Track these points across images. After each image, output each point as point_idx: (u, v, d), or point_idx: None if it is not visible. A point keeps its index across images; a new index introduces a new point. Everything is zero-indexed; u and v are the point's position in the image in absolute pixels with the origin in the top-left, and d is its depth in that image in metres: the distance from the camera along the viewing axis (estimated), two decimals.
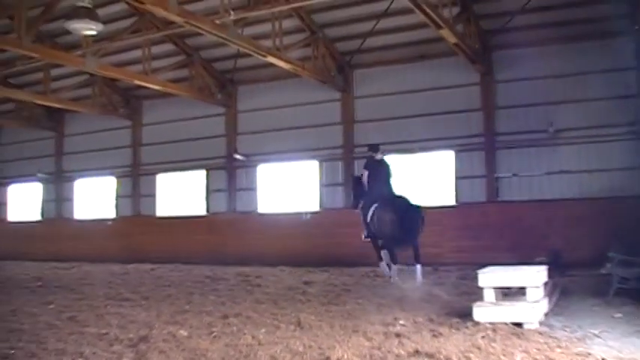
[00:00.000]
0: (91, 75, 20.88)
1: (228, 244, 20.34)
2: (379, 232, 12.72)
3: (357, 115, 19.25)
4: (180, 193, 22.60)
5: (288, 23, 17.18)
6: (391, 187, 13.30)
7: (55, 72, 20.87)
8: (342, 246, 18.27)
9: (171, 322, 8.50)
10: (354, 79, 19.34)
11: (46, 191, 25.85)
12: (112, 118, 23.17)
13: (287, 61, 16.64)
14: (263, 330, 7.76)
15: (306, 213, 19.54)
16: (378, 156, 13.54)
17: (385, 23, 17.41)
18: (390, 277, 12.69)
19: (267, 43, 16.30)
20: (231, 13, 13.85)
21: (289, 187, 20.46)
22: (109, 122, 23.52)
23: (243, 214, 20.84)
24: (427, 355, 6.16)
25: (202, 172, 21.84)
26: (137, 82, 18.75)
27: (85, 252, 22.71)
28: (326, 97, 19.47)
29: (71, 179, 25.13)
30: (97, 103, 22.14)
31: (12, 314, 9.68)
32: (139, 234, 22.44)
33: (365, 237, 13.23)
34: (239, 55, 19.24)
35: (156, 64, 19.12)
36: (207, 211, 21.67)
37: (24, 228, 25.86)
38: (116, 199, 23.79)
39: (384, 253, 12.98)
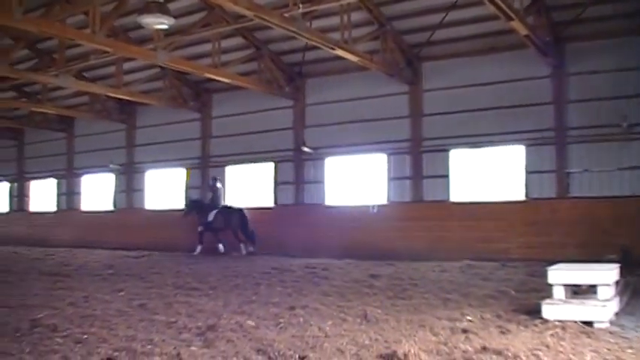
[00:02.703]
0: (162, 68, 21.28)
1: (295, 236, 20.44)
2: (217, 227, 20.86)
3: (425, 108, 19.07)
4: (249, 185, 22.82)
5: (356, 16, 17.12)
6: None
7: (127, 65, 21.37)
8: (408, 239, 18.25)
9: (238, 312, 8.57)
10: (423, 71, 19.13)
11: (117, 182, 26.56)
12: (182, 111, 23.57)
13: (355, 53, 16.60)
14: (329, 322, 7.75)
15: (373, 206, 19.48)
16: (218, 184, 21.64)
17: (455, 15, 17.14)
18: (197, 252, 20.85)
19: (336, 35, 16.28)
20: (300, 6, 13.85)
21: (357, 180, 20.43)
22: (178, 115, 23.94)
23: (310, 206, 20.95)
24: (495, 351, 6.05)
25: (270, 165, 22.02)
26: (207, 75, 19.03)
27: (155, 241, 23.20)
28: (394, 90, 19.33)
29: (142, 170, 25.79)
30: (167, 95, 22.59)
31: (84, 300, 9.94)
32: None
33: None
34: (307, 48, 19.28)
35: (225, 57, 19.35)
36: (275, 203, 21.84)
37: (96, 217, 26.67)
38: (186, 190, 24.23)
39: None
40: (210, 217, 21.13)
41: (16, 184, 31.40)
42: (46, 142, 29.41)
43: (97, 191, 27.59)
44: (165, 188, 25.18)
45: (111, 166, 25.99)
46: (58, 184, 29.18)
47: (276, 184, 21.86)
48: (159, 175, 25.48)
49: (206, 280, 12.80)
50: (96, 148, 27.24)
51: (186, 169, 24.19)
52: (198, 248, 21.22)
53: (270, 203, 21.93)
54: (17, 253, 23.18)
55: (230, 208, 21.30)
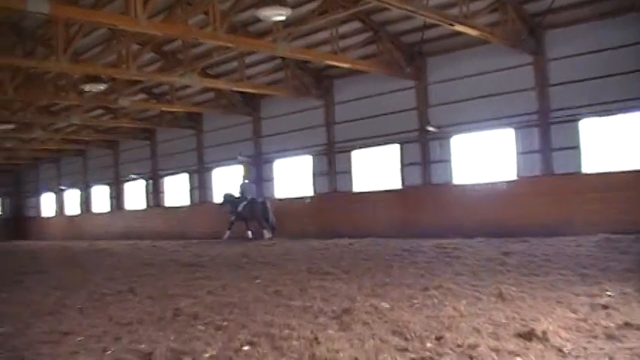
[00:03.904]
0: (283, 59, 21.66)
1: (424, 216, 20.38)
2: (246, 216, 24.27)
3: (551, 78, 18.37)
4: (375, 168, 22.87)
5: None
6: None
7: (248, 59, 21.91)
8: (540, 214, 17.73)
9: (372, 295, 8.62)
10: (546, 40, 18.42)
11: (247, 172, 27.11)
12: (305, 100, 23.86)
13: (475, 28, 16.24)
14: (464, 302, 7.68)
15: (502, 182, 19.05)
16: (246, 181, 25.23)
17: None
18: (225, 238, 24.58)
19: (454, 11, 16.03)
20: None
21: (484, 156, 20.02)
22: (301, 103, 24.27)
23: (438, 186, 20.75)
24: (638, 327, 5.83)
25: (396, 147, 21.96)
26: (327, 62, 19.18)
27: (285, 229, 23.76)
28: (517, 61, 18.75)
29: (270, 160, 26.36)
30: (290, 85, 22.88)
31: (222, 289, 10.26)
32: (336, 210, 23.13)
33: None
34: (426, 27, 19.04)
35: (344, 42, 19.45)
36: (402, 184, 21.79)
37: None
38: (313, 177, 24.59)
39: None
40: (240, 207, 24.43)
41: (151, 181, 33.01)
42: (177, 140, 30.78)
43: (227, 183, 28.40)
44: (293, 176, 25.64)
45: (239, 157, 26.74)
46: (190, 179, 30.40)
47: (403, 165, 21.78)
48: (286, 164, 25.95)
49: (339, 265, 12.94)
50: (224, 142, 28.18)
51: (313, 156, 24.53)
52: (227, 234, 24.76)
53: (398, 185, 21.89)
54: (156, 246, 24.31)
55: (255, 200, 24.36)
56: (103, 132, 32.70)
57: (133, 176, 33.75)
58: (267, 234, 23.78)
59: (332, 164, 23.75)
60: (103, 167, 36.85)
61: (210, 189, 29.27)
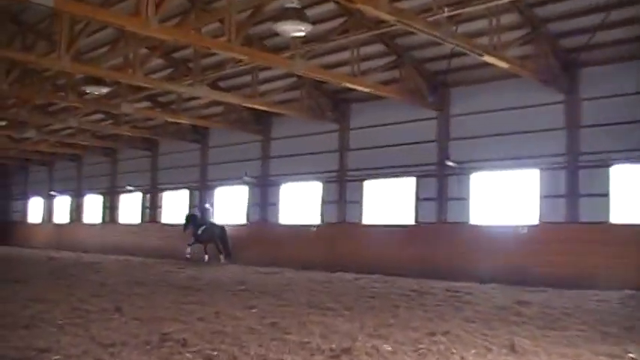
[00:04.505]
0: (299, 77, 21.67)
1: (436, 256, 20.27)
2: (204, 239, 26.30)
3: (583, 119, 18.24)
4: (388, 201, 22.84)
5: (506, 18, 16.67)
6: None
7: (263, 75, 22.00)
8: (562, 265, 17.54)
9: (374, 335, 8.57)
10: (580, 78, 18.32)
11: (251, 194, 27.31)
12: (319, 122, 23.89)
13: (505, 60, 16.22)
14: (473, 351, 7.61)
15: (523, 226, 18.87)
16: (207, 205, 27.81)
17: (616, 15, 16.29)
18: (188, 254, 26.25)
19: (484, 40, 16.04)
20: (445, 10, 13.67)
21: (505, 197, 19.93)
22: (315, 126, 24.35)
23: (453, 224, 20.66)
24: None
25: (411, 180, 21.92)
26: (346, 85, 19.15)
27: (289, 258, 23.70)
28: (548, 99, 18.65)
29: (277, 183, 26.36)
30: (304, 106, 22.94)
31: (215, 316, 10.24)
32: (343, 241, 23.05)
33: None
34: (453, 55, 19.01)
35: (365, 65, 19.47)
36: (416, 220, 21.70)
37: (230, 231, 27.30)
38: (322, 205, 24.54)
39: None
40: (200, 231, 26.41)
41: (148, 195, 33.11)
42: (180, 153, 30.88)
43: (231, 204, 28.56)
44: (300, 202, 25.60)
45: (245, 178, 26.78)
46: (191, 196, 30.48)
47: (418, 200, 21.72)
48: (294, 189, 25.93)
49: (341, 300, 12.91)
50: (230, 160, 28.20)
51: (323, 182, 24.51)
52: (188, 249, 26.58)
53: (411, 220, 21.81)
54: (149, 264, 24.29)
55: (214, 224, 26.61)
56: (102, 138, 32.88)
57: (130, 188, 33.82)
58: (223, 258, 25.90)
59: (342, 193, 23.73)
60: (98, 175, 36.95)
61: (212, 208, 29.24)
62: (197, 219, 27.01)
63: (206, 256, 26.32)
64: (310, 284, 17.00)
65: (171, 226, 30.52)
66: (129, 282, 16.56)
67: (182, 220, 27.67)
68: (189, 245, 26.48)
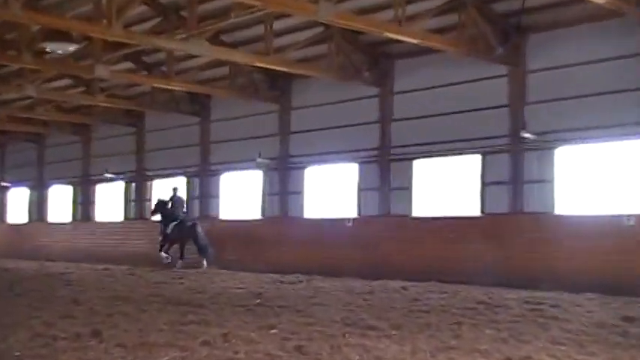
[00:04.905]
0: (326, 27, 21.56)
1: (511, 256, 20.22)
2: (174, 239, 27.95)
3: None
4: (446, 186, 22.85)
5: None
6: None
7: (278, 25, 21.82)
8: None
9: None
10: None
11: (267, 181, 27.46)
12: (352, 85, 23.92)
13: None
14: None
15: (629, 216, 18.55)
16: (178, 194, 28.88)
17: None
18: (164, 260, 27.84)
19: None
20: None
21: (605, 177, 19.54)
22: (348, 91, 24.47)
23: (532, 215, 20.57)
24: None
25: (476, 157, 21.91)
26: (387, 35, 19.03)
27: (317, 261, 23.83)
28: None
29: (300, 166, 26.46)
30: (333, 64, 22.73)
31: (224, 340, 10.22)
32: (388, 239, 23.05)
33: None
34: None
35: (412, 8, 19.23)
36: (482, 210, 21.68)
37: (240, 228, 27.72)
38: (358, 193, 24.60)
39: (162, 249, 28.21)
40: (169, 228, 27.89)
41: (134, 185, 33.69)
42: (174, 129, 31.16)
43: (241, 193, 28.81)
44: (330, 190, 25.73)
45: (258, 160, 26.80)
46: (189, 185, 30.71)
47: (484, 183, 21.64)
48: (322, 173, 26.05)
49: (386, 317, 12.90)
50: (238, 137, 28.28)
51: (359, 164, 24.56)
52: (163, 256, 28.18)
53: (476, 211, 21.80)
54: (135, 274, 24.53)
55: (184, 222, 27.86)
56: (70, 111, 33.13)
57: (109, 175, 34.01)
58: (204, 263, 27.13)
59: (386, 176, 23.70)
60: (66, 160, 37.28)
61: (217, 199, 29.54)
62: (166, 209, 28.40)
63: (165, 255, 28.12)
64: (345, 295, 17.03)
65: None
66: (110, 298, 16.60)
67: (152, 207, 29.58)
68: (161, 245, 28.21)
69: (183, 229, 27.42)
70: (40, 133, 37.92)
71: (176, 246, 27.98)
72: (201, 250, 27.21)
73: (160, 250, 28.16)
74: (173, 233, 27.70)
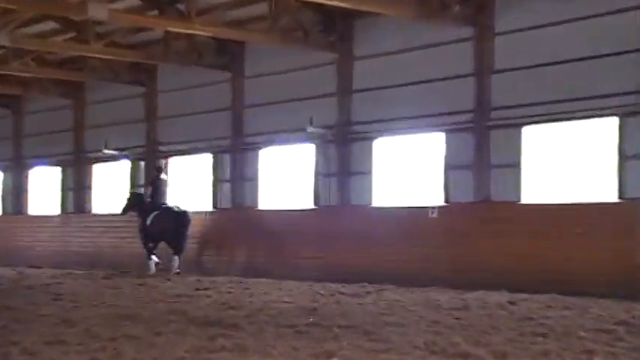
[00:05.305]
0: None
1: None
2: (156, 234, 29.10)
3: None
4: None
5: None
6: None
7: None
8: None
9: None
10: None
11: (322, 157, 27.61)
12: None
13: None
14: None
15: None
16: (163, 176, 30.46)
17: None
18: (151, 271, 28.88)
19: None
20: None
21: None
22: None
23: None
24: None
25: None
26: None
27: (389, 265, 23.94)
28: None
29: (367, 136, 26.46)
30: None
31: None
32: (483, 234, 22.99)
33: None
34: None
35: None
36: (621, 196, 21.50)
37: (283, 221, 27.97)
38: (445, 174, 24.60)
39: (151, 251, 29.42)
40: (149, 220, 29.20)
41: (143, 164, 34.19)
42: (197, 89, 31.42)
43: (283, 174, 29.11)
44: (405, 169, 25.87)
45: (309, 129, 26.80)
46: (217, 163, 31.11)
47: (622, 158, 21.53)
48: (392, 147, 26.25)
49: (487, 341, 12.76)
50: (283, 99, 28.38)
51: (446, 133, 24.70)
52: (152, 263, 29.39)
53: (609, 196, 21.60)
54: (146, 283, 24.75)
55: (170, 209, 29.40)
56: (57, 66, 33.41)
57: (109, 152, 34.24)
58: (176, 263, 28.62)
59: (484, 149, 23.77)
60: (53, 132, 37.60)
61: (254, 182, 29.65)
62: (144, 201, 30.23)
63: (154, 259, 29.48)
64: (429, 312, 16.94)
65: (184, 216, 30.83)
66: (113, 316, 16.54)
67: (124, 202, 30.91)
68: (147, 248, 29.63)
69: (170, 219, 28.59)
70: (16, 96, 38.15)
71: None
72: (178, 247, 28.56)
73: (150, 256, 29.20)
74: (155, 226, 28.84)
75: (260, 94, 29.21)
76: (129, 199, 30.42)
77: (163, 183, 30.02)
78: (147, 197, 30.17)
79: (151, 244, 29.12)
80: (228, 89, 30.27)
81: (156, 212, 28.80)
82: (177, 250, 28.50)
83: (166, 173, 30.24)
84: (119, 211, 30.49)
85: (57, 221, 36.98)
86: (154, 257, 28.67)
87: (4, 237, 38.74)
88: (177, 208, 29.13)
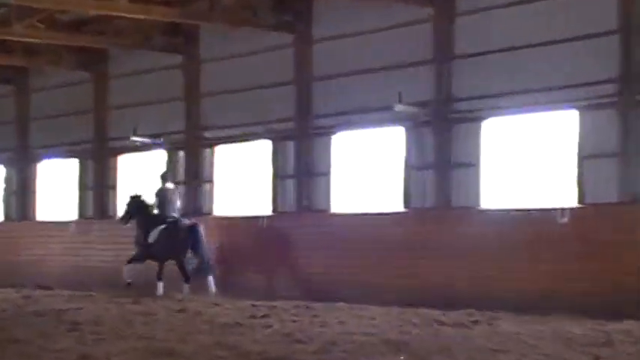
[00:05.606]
0: None
1: None
2: (163, 251, 30.13)
3: None
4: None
5: None
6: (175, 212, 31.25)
7: None
8: None
9: None
10: None
11: (412, 146, 27.48)
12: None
13: None
14: None
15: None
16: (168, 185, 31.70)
17: None
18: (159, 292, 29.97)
19: None
20: None
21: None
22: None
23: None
24: None
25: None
26: None
27: (502, 286, 23.82)
28: None
29: (472, 117, 26.37)
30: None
31: None
32: (630, 243, 22.54)
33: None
34: None
35: None
36: None
37: (362, 228, 27.76)
38: (579, 162, 24.29)
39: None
40: (152, 236, 30.09)
41: (182, 153, 34.47)
42: (249, 57, 31.34)
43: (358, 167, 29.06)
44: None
45: (398, 107, 26.58)
46: (277, 152, 31.04)
47: None
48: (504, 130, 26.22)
49: None
50: (362, 68, 28.33)
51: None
52: (125, 270, 31.02)
53: None
54: (188, 309, 24.67)
55: (178, 222, 30.37)
56: (72, 29, 33.50)
57: (139, 139, 34.36)
58: (212, 286, 29.27)
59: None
60: (67, 114, 37.93)
61: (325, 178, 29.67)
62: (147, 211, 31.19)
63: (160, 285, 29.89)
64: (558, 348, 16.62)
65: (230, 220, 31.07)
66: (146, 351, 16.43)
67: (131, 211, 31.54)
68: (132, 259, 31.05)
69: (178, 236, 29.40)
70: (21, 68, 38.53)
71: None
72: (203, 267, 29.38)
73: (133, 262, 30.63)
74: (160, 243, 29.63)
75: (333, 62, 29.19)
76: (128, 205, 31.25)
77: (170, 192, 30.76)
78: (154, 207, 30.59)
79: (137, 262, 30.30)
80: (291, 57, 30.22)
81: (163, 226, 29.54)
82: (203, 271, 29.17)
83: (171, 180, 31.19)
84: (120, 219, 31.71)
85: (73, 229, 36.86)
86: (160, 283, 29.43)
87: (6, 249, 38.92)
88: (186, 220, 30.06)
